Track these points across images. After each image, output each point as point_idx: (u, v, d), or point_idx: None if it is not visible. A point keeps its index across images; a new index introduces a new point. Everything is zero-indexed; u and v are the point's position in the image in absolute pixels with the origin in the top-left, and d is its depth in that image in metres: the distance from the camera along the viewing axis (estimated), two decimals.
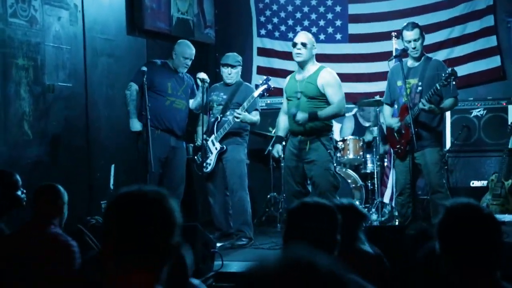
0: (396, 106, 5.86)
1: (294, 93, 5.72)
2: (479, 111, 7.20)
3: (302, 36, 5.77)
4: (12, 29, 5.47)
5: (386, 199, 7.00)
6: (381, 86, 6.91)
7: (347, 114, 7.62)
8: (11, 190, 3.87)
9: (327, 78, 5.66)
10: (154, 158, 5.75)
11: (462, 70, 7.13)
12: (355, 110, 7.84)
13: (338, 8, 8.27)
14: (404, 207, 5.70)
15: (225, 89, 6.34)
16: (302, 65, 5.71)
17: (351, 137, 7.36)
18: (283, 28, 8.43)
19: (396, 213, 6.24)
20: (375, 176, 7.08)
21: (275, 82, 6.89)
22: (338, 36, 8.28)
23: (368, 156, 7.34)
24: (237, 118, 6.03)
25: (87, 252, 3.59)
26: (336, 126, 7.06)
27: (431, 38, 7.22)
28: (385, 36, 7.51)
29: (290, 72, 6.24)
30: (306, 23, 8.34)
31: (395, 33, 6.75)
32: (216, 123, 6.23)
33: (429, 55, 5.94)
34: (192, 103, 6.42)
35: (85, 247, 3.70)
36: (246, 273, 1.20)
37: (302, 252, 1.18)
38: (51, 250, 3.33)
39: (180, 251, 2.48)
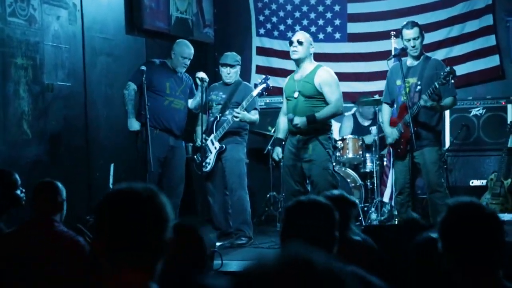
0: (395, 105, 5.86)
1: (293, 92, 5.72)
2: (478, 110, 7.21)
3: (299, 35, 5.79)
4: (11, 28, 5.47)
5: (385, 199, 7.00)
6: (380, 85, 6.91)
7: (346, 114, 7.62)
8: (11, 189, 3.86)
9: (324, 76, 5.65)
10: (153, 158, 5.75)
11: (461, 69, 7.14)
12: (354, 109, 7.84)
13: (337, 7, 8.27)
14: (404, 206, 5.70)
15: (224, 89, 6.34)
16: (298, 62, 5.70)
17: (351, 136, 7.36)
18: (282, 27, 8.43)
19: (396, 212, 6.24)
20: (375, 176, 7.08)
21: (274, 81, 6.89)
22: (337, 35, 8.28)
23: (367, 155, 7.34)
24: (236, 117, 6.02)
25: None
26: (335, 125, 7.04)
27: (430, 38, 7.21)
28: (384, 35, 7.50)
29: (289, 71, 6.24)
30: (305, 22, 8.35)
31: (394, 32, 6.75)
32: (215, 123, 6.22)
33: (428, 54, 5.93)
34: (192, 102, 6.42)
35: None
36: (243, 271, 1.20)
37: (300, 250, 1.18)
38: (60, 248, 3.30)
39: (199, 232, 2.47)
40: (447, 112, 7.00)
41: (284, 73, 7.61)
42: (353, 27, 8.20)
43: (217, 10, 8.53)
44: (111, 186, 6.12)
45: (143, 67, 5.97)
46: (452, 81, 5.31)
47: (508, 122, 6.89)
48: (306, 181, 5.81)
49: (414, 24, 5.67)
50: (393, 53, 6.16)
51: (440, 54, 7.37)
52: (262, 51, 8.55)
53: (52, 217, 3.46)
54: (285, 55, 7.85)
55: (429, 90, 5.38)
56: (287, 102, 5.84)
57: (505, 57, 7.55)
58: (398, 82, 5.69)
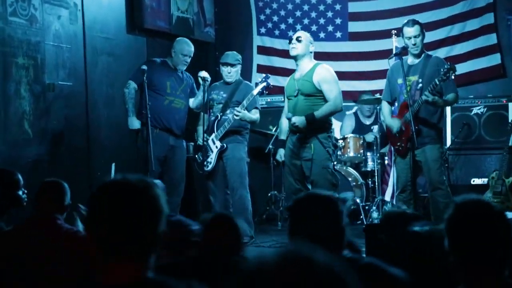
0: (396, 104, 5.85)
1: (293, 92, 5.72)
2: (479, 109, 7.20)
3: (298, 33, 5.81)
4: (12, 28, 5.47)
5: (387, 197, 7.00)
6: (381, 84, 6.90)
7: (347, 112, 7.61)
8: (12, 189, 3.81)
9: (323, 74, 5.64)
10: (153, 157, 5.75)
11: (462, 68, 7.14)
12: (355, 108, 7.84)
13: (338, 6, 8.27)
14: (406, 204, 5.69)
15: (225, 88, 6.34)
16: (297, 59, 5.70)
17: (352, 135, 7.36)
18: (283, 26, 8.43)
19: None
20: (376, 174, 7.08)
21: (275, 81, 6.89)
22: (338, 34, 8.28)
23: (368, 154, 7.34)
24: (237, 116, 6.03)
25: None
26: (336, 124, 7.05)
27: (431, 36, 7.21)
28: (385, 34, 7.50)
29: (290, 70, 6.24)
30: (306, 21, 8.35)
31: (395, 31, 6.75)
32: (216, 122, 6.22)
33: (429, 53, 5.93)
34: (193, 102, 6.42)
35: None
36: (244, 269, 1.20)
37: (300, 248, 1.18)
38: (60, 248, 3.25)
39: (233, 221, 2.78)
40: (448, 111, 7.00)
41: (285, 72, 7.61)
42: (354, 26, 8.20)
43: (218, 9, 8.53)
44: None
45: (144, 67, 5.97)
46: (453, 77, 5.31)
47: (510, 121, 6.88)
48: (307, 179, 5.81)
49: (415, 22, 5.67)
50: (394, 52, 6.15)
51: (441, 53, 7.36)
52: (263, 50, 8.55)
53: (55, 215, 3.41)
54: (286, 54, 7.81)
55: (430, 87, 5.37)
56: (288, 102, 5.84)
57: (506, 55, 7.55)
58: (400, 81, 5.67)
